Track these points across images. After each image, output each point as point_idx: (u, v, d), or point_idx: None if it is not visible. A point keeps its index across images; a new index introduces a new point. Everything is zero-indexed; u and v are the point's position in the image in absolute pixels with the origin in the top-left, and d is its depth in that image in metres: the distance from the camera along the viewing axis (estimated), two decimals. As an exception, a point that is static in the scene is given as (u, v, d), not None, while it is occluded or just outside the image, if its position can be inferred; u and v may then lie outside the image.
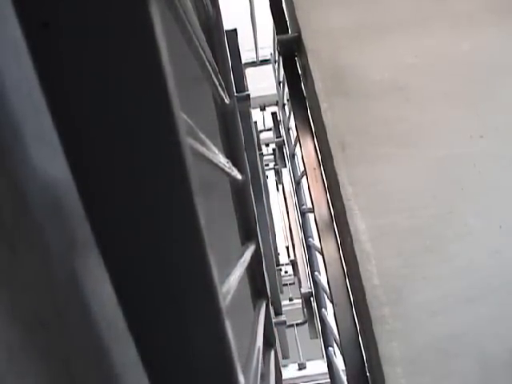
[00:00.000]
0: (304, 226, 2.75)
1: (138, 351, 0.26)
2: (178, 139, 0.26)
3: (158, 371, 0.28)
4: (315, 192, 1.41)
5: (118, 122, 0.25)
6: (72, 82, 0.24)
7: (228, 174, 0.84)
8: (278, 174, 5.76)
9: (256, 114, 4.69)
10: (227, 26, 1.34)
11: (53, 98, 0.21)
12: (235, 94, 1.18)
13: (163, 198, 0.27)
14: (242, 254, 0.87)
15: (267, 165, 6.55)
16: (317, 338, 3.42)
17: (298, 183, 2.94)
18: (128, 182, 0.26)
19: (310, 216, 2.49)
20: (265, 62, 3.51)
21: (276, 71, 3.17)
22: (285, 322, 2.18)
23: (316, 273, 2.48)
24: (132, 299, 0.27)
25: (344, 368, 1.29)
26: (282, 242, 6.84)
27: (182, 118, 0.28)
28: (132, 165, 0.26)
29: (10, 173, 0.18)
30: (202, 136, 0.50)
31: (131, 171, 0.26)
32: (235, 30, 1.67)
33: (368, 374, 1.20)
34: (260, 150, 4.08)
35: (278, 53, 1.74)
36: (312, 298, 3.13)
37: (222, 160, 0.71)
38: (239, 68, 1.64)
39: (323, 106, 1.23)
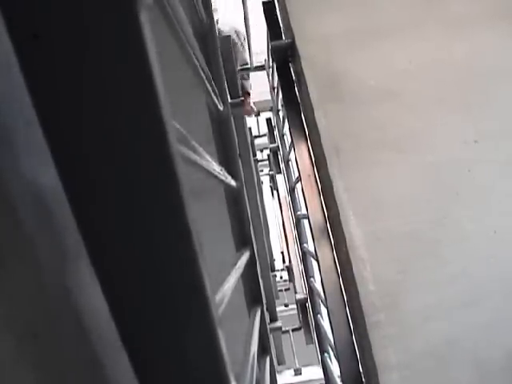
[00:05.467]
0: (299, 232, 2.74)
1: (131, 362, 0.26)
2: (168, 147, 0.26)
3: (150, 382, 0.28)
4: (310, 198, 1.41)
5: (109, 131, 0.25)
6: (62, 92, 0.24)
7: (222, 181, 0.84)
8: (272, 179, 5.75)
9: (250, 120, 4.69)
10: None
11: (43, 109, 0.21)
12: (229, 100, 1.18)
13: (154, 206, 0.27)
14: (237, 261, 0.87)
15: (262, 170, 6.55)
16: (312, 343, 3.42)
17: (292, 189, 2.94)
18: (118, 191, 0.26)
19: (305, 222, 2.48)
20: (259, 67, 3.50)
21: (270, 77, 3.17)
22: (280, 328, 2.18)
23: (311, 279, 2.48)
24: (124, 309, 0.26)
25: (339, 374, 1.29)
26: (277, 247, 6.83)
27: (173, 125, 0.28)
28: (122, 174, 0.26)
29: (0, 185, 0.18)
30: (195, 143, 0.50)
31: (121, 180, 0.26)
32: (229, 36, 1.68)
33: (363, 379, 1.19)
34: (254, 155, 4.08)
35: (272, 59, 1.74)
36: (307, 304, 3.13)
37: (215, 167, 0.71)
38: (233, 74, 1.64)
39: (317, 112, 1.23)
